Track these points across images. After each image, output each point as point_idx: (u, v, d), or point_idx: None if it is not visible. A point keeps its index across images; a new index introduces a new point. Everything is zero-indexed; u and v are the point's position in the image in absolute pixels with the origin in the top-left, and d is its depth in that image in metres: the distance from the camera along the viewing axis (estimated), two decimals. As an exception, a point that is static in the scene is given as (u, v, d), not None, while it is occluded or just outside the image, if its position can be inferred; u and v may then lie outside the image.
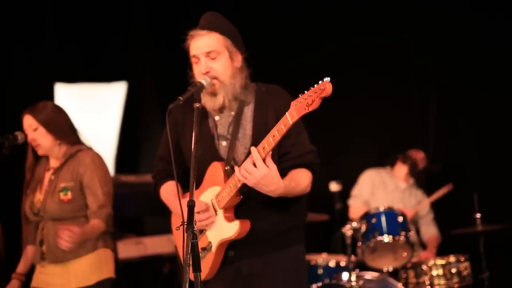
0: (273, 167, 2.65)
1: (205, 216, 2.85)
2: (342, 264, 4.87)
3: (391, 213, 4.81)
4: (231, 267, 2.93)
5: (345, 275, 4.53)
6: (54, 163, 3.62)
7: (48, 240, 3.50)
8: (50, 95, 5.98)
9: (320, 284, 4.63)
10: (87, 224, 3.47)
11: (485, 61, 5.53)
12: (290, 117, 2.56)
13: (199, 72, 2.90)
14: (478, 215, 4.70)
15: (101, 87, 6.80)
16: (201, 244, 2.85)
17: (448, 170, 5.77)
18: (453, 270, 4.62)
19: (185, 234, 2.37)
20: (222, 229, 2.85)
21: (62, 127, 3.57)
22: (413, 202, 5.43)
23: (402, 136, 5.91)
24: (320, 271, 4.88)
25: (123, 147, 6.80)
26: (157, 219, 6.17)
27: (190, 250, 2.35)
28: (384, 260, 4.82)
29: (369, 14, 5.98)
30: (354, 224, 4.74)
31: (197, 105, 2.68)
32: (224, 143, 2.94)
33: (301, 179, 2.85)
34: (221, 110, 2.96)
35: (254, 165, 2.63)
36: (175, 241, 3.15)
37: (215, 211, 2.88)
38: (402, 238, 4.71)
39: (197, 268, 2.37)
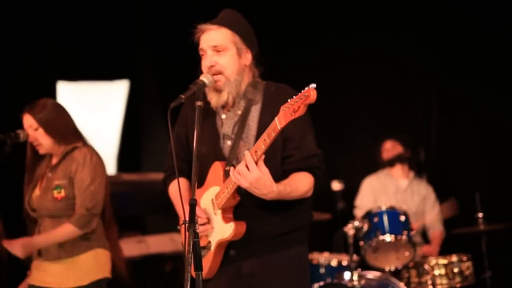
0: (265, 170, 2.60)
1: (203, 228, 2.84)
2: (344, 263, 4.86)
3: (393, 213, 4.80)
4: (232, 266, 2.91)
5: (347, 275, 4.52)
6: (55, 160, 3.62)
7: None
8: (52, 93, 5.98)
9: (322, 283, 4.63)
10: (54, 230, 3.44)
11: (487, 59, 5.50)
12: (279, 122, 2.51)
13: (204, 66, 2.88)
14: (480, 215, 4.67)
15: (103, 85, 6.81)
16: (201, 242, 2.84)
17: (450, 169, 5.77)
18: (455, 270, 4.61)
19: (187, 233, 2.37)
20: (220, 230, 2.84)
21: (61, 128, 3.55)
22: (417, 200, 5.40)
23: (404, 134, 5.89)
24: (322, 270, 4.87)
25: (125, 145, 6.80)
26: (159, 217, 6.18)
27: (191, 249, 2.34)
28: (386, 259, 4.81)
29: (371, 11, 5.96)
30: (356, 223, 4.73)
31: (198, 103, 2.67)
32: (229, 142, 2.91)
33: (299, 184, 2.80)
34: (228, 108, 2.93)
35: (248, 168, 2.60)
36: (182, 240, 3.14)
37: (214, 212, 2.87)
38: (404, 237, 4.70)
39: (198, 267, 2.36)
